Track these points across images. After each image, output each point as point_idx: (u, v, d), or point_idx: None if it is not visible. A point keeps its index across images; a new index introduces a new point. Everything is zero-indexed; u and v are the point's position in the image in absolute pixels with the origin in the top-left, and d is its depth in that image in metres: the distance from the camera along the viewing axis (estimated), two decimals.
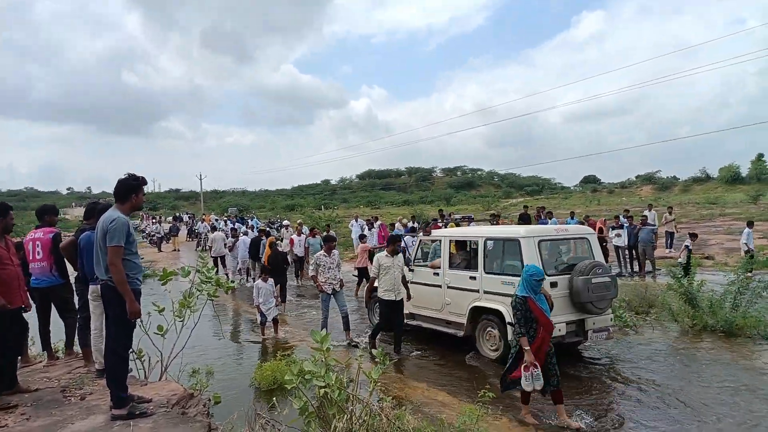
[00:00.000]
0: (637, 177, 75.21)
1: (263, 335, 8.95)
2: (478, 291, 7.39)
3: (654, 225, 15.77)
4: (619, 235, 14.86)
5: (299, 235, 16.10)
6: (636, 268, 14.98)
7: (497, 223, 15.75)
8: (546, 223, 16.03)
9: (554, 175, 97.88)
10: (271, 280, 9.16)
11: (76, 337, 5.70)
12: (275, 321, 9.00)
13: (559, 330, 6.56)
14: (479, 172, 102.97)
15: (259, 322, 9.05)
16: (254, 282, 15.14)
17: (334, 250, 8.72)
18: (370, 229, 17.66)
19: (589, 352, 7.69)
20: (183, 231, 35.14)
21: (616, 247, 14.96)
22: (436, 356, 7.71)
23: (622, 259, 14.90)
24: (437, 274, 8.01)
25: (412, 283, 8.28)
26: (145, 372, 5.52)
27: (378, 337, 8.14)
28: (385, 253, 7.90)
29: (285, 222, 23.13)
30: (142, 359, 5.48)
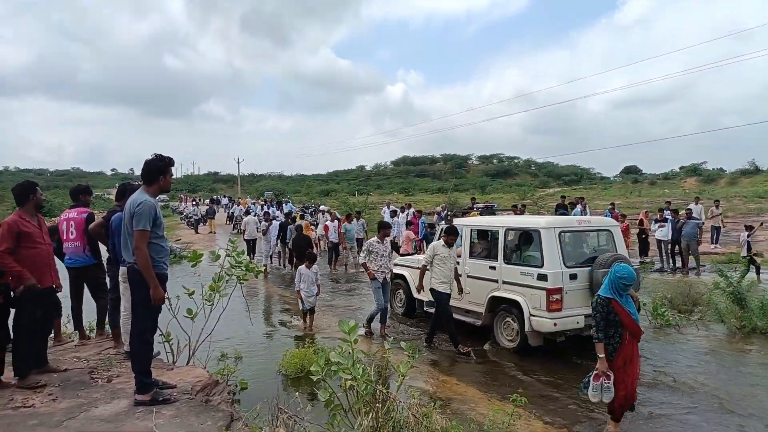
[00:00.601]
0: (681, 168, 72.55)
1: (305, 324, 8.62)
2: (497, 281, 7.38)
3: (699, 219, 15.08)
4: (662, 228, 14.26)
5: (333, 220, 16.06)
6: (678, 263, 14.38)
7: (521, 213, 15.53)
8: (566, 214, 15.56)
9: (593, 164, 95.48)
10: (315, 267, 8.65)
11: (107, 317, 5.73)
12: (311, 311, 8.63)
13: (578, 322, 6.72)
14: (516, 161, 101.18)
15: (301, 309, 8.69)
16: (284, 267, 15.44)
17: (387, 238, 8.40)
18: (392, 217, 17.30)
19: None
20: (221, 214, 35.70)
21: (659, 241, 14.37)
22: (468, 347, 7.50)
23: (664, 254, 14.31)
24: (458, 263, 7.86)
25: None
26: (173, 355, 5.51)
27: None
28: (442, 242, 7.47)
29: (322, 207, 23.10)
30: (170, 342, 5.46)
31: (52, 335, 5.65)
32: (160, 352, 5.39)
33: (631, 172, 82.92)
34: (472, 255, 8.02)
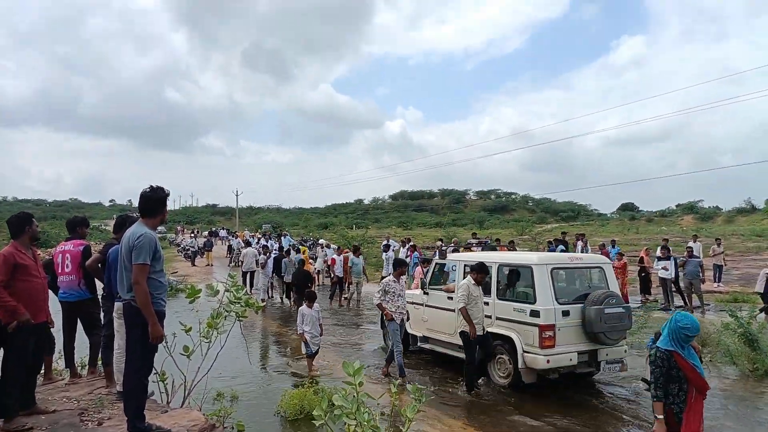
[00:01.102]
0: (677, 206, 72.86)
1: (310, 370, 7.90)
2: (490, 317, 7.35)
3: (699, 257, 14.92)
4: (666, 269, 14.07)
5: (339, 254, 15.88)
6: (679, 302, 14.17)
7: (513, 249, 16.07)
8: (554, 251, 15.92)
9: (590, 201, 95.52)
10: (317, 306, 8.06)
11: (100, 354, 5.51)
12: (313, 355, 8.03)
13: (570, 360, 6.70)
14: (513, 196, 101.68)
15: (305, 353, 7.99)
16: (281, 301, 15.21)
17: (403, 276, 7.98)
18: (385, 252, 17.10)
19: (639, 395, 7.10)
20: (220, 246, 35.44)
21: (662, 280, 14.16)
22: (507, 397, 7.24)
23: (668, 293, 14.09)
24: (451, 298, 7.80)
25: (426, 306, 8.62)
26: (167, 395, 5.27)
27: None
28: (471, 280, 7.05)
29: (321, 240, 22.92)
30: (165, 382, 5.23)
31: (42, 372, 5.43)
32: (154, 392, 5.15)
33: (628, 209, 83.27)
34: None
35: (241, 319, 5.93)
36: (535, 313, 6.76)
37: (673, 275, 14.03)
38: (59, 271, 5.52)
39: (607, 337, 6.84)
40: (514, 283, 7.46)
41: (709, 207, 69.85)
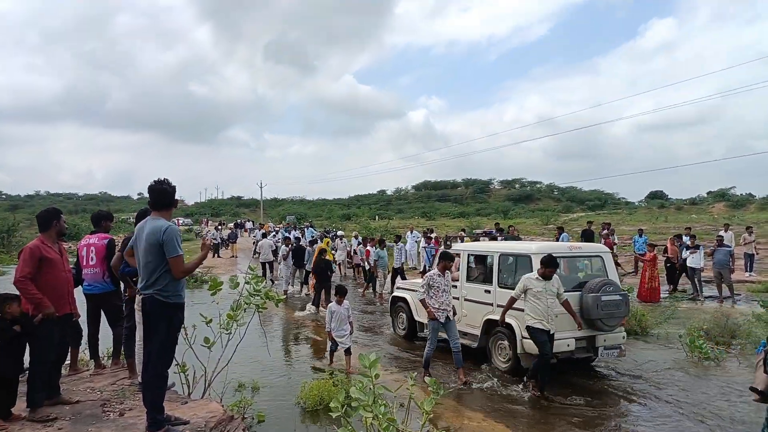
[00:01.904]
0: (708, 193, 71.02)
1: (331, 363, 7.76)
2: (492, 304, 7.66)
3: (730, 246, 14.49)
4: (694, 255, 13.75)
5: (366, 245, 16.03)
6: (709, 293, 13.82)
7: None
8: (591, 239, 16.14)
9: (618, 189, 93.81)
10: (346, 303, 7.67)
11: (123, 346, 5.61)
12: (347, 352, 7.59)
13: (568, 345, 6.90)
14: (538, 185, 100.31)
15: (328, 348, 7.85)
16: (300, 291, 15.31)
17: (448, 271, 7.34)
18: (396, 242, 16.80)
19: (662, 386, 6.95)
20: (247, 238, 35.80)
21: (691, 269, 13.82)
22: (493, 381, 7.19)
23: (697, 282, 13.75)
24: (456, 286, 8.08)
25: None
26: (188, 386, 5.34)
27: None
28: (536, 275, 6.66)
29: (339, 233, 23.00)
30: (186, 373, 5.30)
31: (68, 363, 5.55)
32: (174, 383, 5.23)
33: (656, 197, 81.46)
34: (469, 279, 8.30)
35: (261, 310, 5.98)
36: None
37: (701, 264, 13.69)
38: (84, 263, 5.64)
39: (604, 324, 7.04)
40: (515, 271, 7.60)
41: (742, 194, 67.85)
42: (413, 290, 9.19)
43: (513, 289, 7.13)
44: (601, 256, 7.85)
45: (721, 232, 15.80)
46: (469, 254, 8.45)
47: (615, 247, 17.67)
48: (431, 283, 7.16)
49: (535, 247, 7.67)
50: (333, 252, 17.45)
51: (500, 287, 7.56)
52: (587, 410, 6.11)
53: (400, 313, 9.77)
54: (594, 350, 7.20)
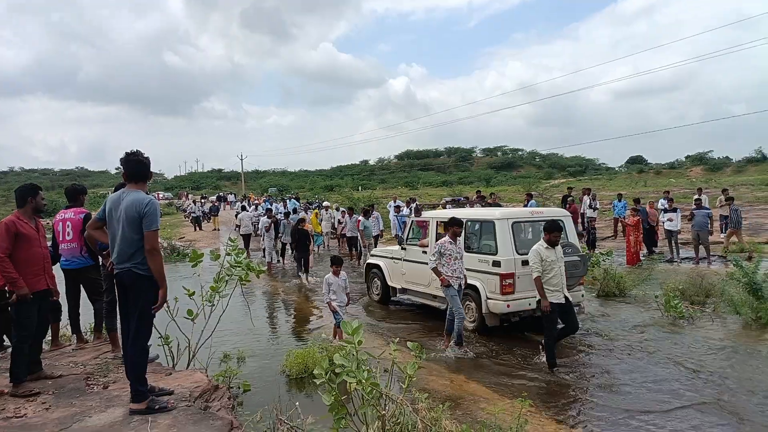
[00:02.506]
0: (686, 157, 72.09)
1: (335, 336, 7.35)
2: None
3: (709, 209, 14.74)
4: (671, 219, 14.00)
5: (350, 215, 16.09)
6: (686, 254, 14.12)
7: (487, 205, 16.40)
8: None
9: (598, 155, 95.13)
10: (343, 274, 7.52)
11: (104, 320, 5.57)
12: (339, 325, 7.26)
13: (529, 304, 7.22)
14: (520, 153, 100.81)
15: (335, 323, 7.44)
16: (279, 262, 15.37)
17: (459, 237, 7.27)
18: (396, 213, 16.73)
19: (635, 343, 7.15)
20: (231, 211, 35.48)
21: (668, 232, 14.09)
22: (476, 344, 7.33)
23: (674, 245, 14.03)
24: (425, 252, 8.54)
25: (404, 260, 9.16)
26: (173, 358, 5.36)
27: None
28: (544, 244, 6.47)
29: (325, 203, 22.87)
30: (170, 345, 5.30)
31: (48, 338, 5.52)
32: (158, 355, 5.24)
33: (636, 162, 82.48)
34: None
35: (243, 282, 5.98)
36: (496, 263, 7.42)
37: (678, 227, 13.95)
38: (60, 239, 5.54)
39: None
40: (480, 236, 8.05)
41: (719, 157, 69.08)
42: (387, 257, 9.83)
43: (478, 253, 7.76)
44: (561, 220, 7.92)
45: (696, 196, 16.04)
46: (437, 221, 8.72)
47: (596, 211, 17.94)
48: (443, 250, 7.02)
49: (498, 213, 8.01)
50: (320, 223, 17.41)
51: (467, 252, 7.68)
52: (564, 370, 6.26)
53: (375, 279, 10.17)
54: None
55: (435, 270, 7.09)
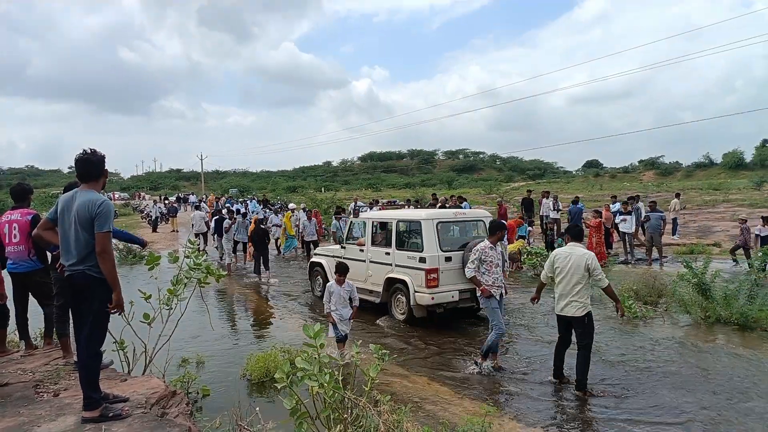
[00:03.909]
0: (639, 162, 74.61)
1: (341, 350, 6.49)
2: (391, 264, 8.65)
3: (662, 212, 15.30)
4: (624, 221, 14.45)
5: (310, 219, 16.38)
6: (639, 255, 14.60)
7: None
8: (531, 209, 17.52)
9: (557, 159, 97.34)
10: (348, 283, 6.76)
11: (55, 325, 5.35)
12: (340, 339, 6.65)
13: (452, 297, 8.01)
14: (481, 156, 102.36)
15: (335, 336, 6.62)
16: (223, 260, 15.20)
17: (500, 242, 6.78)
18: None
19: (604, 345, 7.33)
20: (190, 212, 34.62)
21: (622, 233, 14.54)
22: (438, 345, 7.38)
23: (628, 246, 14.49)
24: (362, 250, 9.26)
25: (344, 258, 9.31)
26: (128, 364, 5.18)
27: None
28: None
29: (291, 205, 22.51)
30: (125, 350, 5.13)
31: None
32: (113, 361, 5.07)
33: (592, 165, 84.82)
34: (374, 243, 9.22)
35: (202, 285, 5.83)
36: (422, 260, 8.05)
37: (632, 228, 14.41)
38: (6, 241, 5.28)
39: None
40: (408, 235, 8.72)
41: (670, 162, 71.75)
42: (328, 255, 10.38)
43: (407, 250, 8.36)
44: (483, 221, 8.88)
45: (673, 201, 16.47)
46: (373, 222, 9.40)
47: (559, 212, 18.42)
48: (483, 257, 6.42)
49: (424, 214, 8.63)
50: (295, 227, 17.04)
51: (398, 249, 8.55)
52: (521, 368, 6.37)
53: (317, 277, 10.70)
54: (476, 300, 7.90)
55: (473, 279, 6.45)
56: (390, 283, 8.61)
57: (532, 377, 6.15)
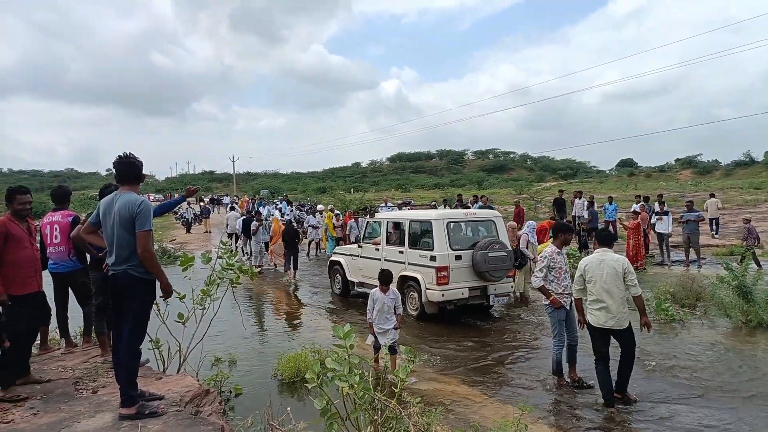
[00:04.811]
0: (676, 161, 72.71)
1: (376, 362, 6.11)
2: (404, 263, 8.96)
3: (699, 211, 14.86)
4: (661, 220, 14.08)
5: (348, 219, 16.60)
6: (676, 257, 14.21)
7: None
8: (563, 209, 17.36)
9: (589, 158, 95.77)
10: (393, 290, 6.27)
11: (93, 324, 5.51)
12: (392, 350, 6.08)
13: (462, 294, 8.37)
14: (512, 155, 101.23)
15: (371, 344, 6.25)
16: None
17: (567, 246, 6.37)
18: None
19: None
20: (223, 215, 35.23)
21: (659, 234, 14.16)
22: (470, 347, 7.33)
23: (664, 247, 14.10)
24: (378, 249, 9.62)
25: (361, 257, 10.04)
26: (164, 362, 5.30)
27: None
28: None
29: (319, 206, 22.64)
30: (160, 349, 5.25)
31: (38, 342, 5.44)
32: (149, 359, 5.19)
33: (626, 165, 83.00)
34: (388, 243, 9.50)
35: (234, 285, 5.93)
36: (433, 258, 8.36)
37: (668, 229, 14.03)
38: (48, 242, 5.46)
39: (491, 276, 8.52)
40: (420, 234, 9.00)
41: (708, 161, 69.74)
42: (346, 254, 10.79)
43: (419, 249, 8.68)
44: (493, 221, 9.25)
45: (707, 201, 16.05)
46: (388, 221, 9.70)
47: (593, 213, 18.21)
48: (551, 263, 5.84)
49: (435, 214, 9.03)
50: (336, 228, 16.78)
51: (410, 248, 8.91)
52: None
53: (336, 275, 11.07)
54: (486, 298, 8.66)
55: (542, 289, 5.90)
56: (403, 280, 8.85)
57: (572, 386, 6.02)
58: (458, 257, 8.42)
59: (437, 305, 8.41)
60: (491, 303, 8.84)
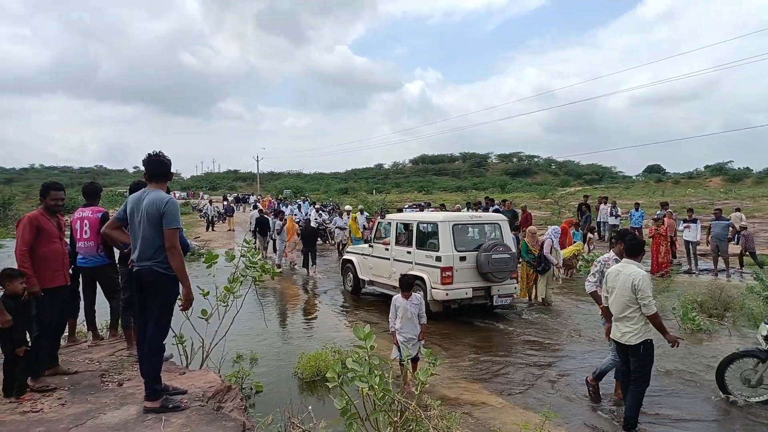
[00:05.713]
0: (705, 167, 71.10)
1: (406, 381, 5.48)
2: (411, 262, 9.23)
3: (728, 220, 14.49)
4: (688, 228, 13.79)
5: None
6: (704, 265, 13.90)
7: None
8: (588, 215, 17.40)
9: (615, 163, 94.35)
10: (417, 297, 5.91)
11: (120, 318, 5.62)
12: (414, 360, 5.75)
13: (466, 294, 8.66)
14: (536, 159, 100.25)
15: (395, 357, 5.78)
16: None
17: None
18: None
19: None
20: (246, 214, 35.62)
21: (686, 242, 13.88)
22: (491, 353, 7.28)
23: (692, 256, 13.81)
24: (387, 249, 9.92)
25: (371, 256, 10.41)
26: (187, 358, 5.38)
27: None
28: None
29: (347, 207, 22.57)
30: (184, 345, 5.33)
31: (66, 334, 5.57)
32: (173, 355, 5.27)
33: (654, 171, 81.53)
34: (397, 243, 9.80)
35: (257, 283, 6.00)
36: (438, 259, 8.65)
37: (696, 238, 13.74)
38: (78, 237, 5.59)
39: (494, 277, 8.78)
40: (427, 236, 9.28)
41: (739, 168, 68.03)
42: (358, 253, 11.12)
43: (425, 250, 8.97)
44: (498, 224, 9.54)
45: (732, 214, 15.65)
46: (398, 222, 10.04)
47: (618, 219, 18.01)
48: (604, 269, 5.49)
49: (442, 216, 9.36)
50: (361, 230, 16.58)
51: (417, 249, 9.18)
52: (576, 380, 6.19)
53: (348, 273, 11.40)
54: (490, 298, 8.93)
55: (593, 295, 5.72)
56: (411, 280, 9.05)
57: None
58: (463, 258, 8.69)
59: (441, 304, 8.68)
60: (494, 303, 9.04)
